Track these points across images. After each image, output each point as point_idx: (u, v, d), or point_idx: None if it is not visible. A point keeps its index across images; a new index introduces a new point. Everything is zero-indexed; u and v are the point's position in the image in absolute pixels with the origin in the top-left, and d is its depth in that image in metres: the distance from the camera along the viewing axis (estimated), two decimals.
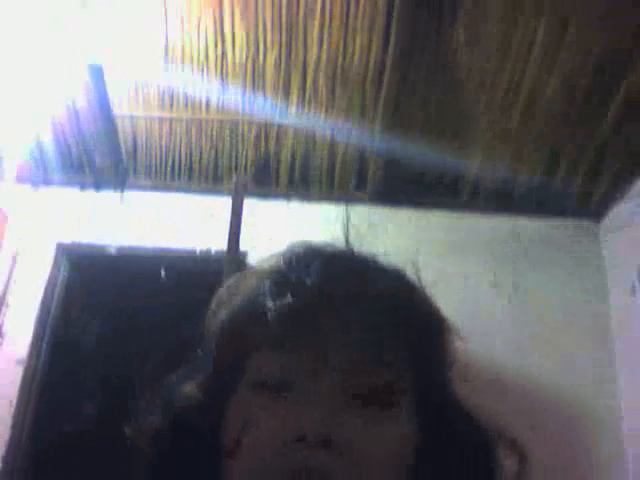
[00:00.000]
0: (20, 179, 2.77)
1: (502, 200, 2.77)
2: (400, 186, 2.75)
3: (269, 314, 0.51)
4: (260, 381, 0.51)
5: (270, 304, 0.51)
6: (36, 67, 2.35)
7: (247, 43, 2.34)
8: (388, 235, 2.45)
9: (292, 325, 0.50)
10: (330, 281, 0.52)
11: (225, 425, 0.52)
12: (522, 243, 2.80)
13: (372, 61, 2.32)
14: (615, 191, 2.56)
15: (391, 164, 2.64)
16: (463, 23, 2.09)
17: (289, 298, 0.51)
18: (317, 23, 2.24)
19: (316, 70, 2.41)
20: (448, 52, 2.19)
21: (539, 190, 2.65)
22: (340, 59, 2.35)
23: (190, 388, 0.57)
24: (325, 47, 2.31)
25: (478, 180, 2.69)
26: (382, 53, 2.26)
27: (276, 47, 2.33)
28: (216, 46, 2.39)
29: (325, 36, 2.28)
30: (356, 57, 2.32)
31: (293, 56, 2.35)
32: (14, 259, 2.69)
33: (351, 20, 2.22)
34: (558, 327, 2.65)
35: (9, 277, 2.66)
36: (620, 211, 2.59)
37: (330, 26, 2.24)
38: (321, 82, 2.43)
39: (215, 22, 2.30)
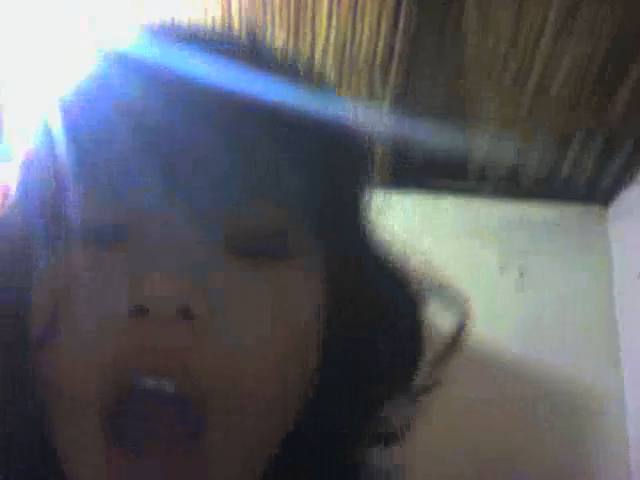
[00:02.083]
0: None
1: (510, 185, 2.76)
2: (408, 170, 2.74)
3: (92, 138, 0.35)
4: (83, 232, 0.34)
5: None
6: (44, 50, 2.35)
7: (255, 27, 2.33)
8: (395, 219, 2.45)
9: (127, 148, 0.33)
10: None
11: (33, 300, 0.35)
12: (529, 228, 2.79)
13: (380, 45, 2.31)
14: (624, 176, 2.55)
15: (399, 148, 2.64)
16: (473, 7, 2.08)
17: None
18: (325, 7, 2.23)
19: (324, 54, 2.40)
20: (458, 36, 2.17)
21: (547, 175, 2.64)
22: (348, 43, 2.34)
23: None
24: (333, 31, 2.30)
25: (486, 165, 2.68)
26: (391, 37, 2.25)
27: (284, 30, 2.32)
28: (223, 29, 2.38)
29: (333, 20, 2.27)
30: (364, 41, 2.31)
31: (301, 40, 2.34)
32: None
33: (360, 3, 2.21)
34: (564, 312, 2.65)
35: None
36: (628, 196, 2.58)
37: (339, 10, 2.22)
38: (329, 66, 2.43)
39: (223, 6, 2.29)
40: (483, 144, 2.58)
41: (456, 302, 0.48)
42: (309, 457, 0.38)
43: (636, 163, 2.46)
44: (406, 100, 2.47)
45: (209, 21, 2.47)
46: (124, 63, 0.42)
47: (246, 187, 0.33)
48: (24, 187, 0.42)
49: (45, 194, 0.37)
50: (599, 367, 2.57)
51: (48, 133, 0.40)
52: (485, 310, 2.77)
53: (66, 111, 0.41)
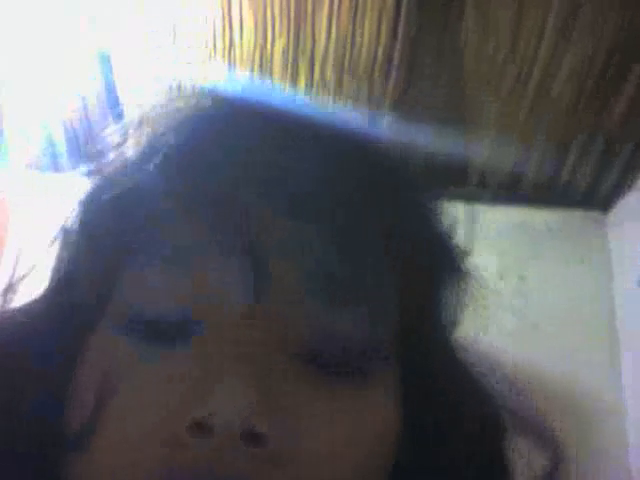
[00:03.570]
0: (26, 167, 2.78)
1: (509, 190, 2.76)
2: None
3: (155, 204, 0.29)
4: (134, 318, 0.29)
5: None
6: (44, 55, 2.35)
7: (255, 32, 2.34)
8: None
9: (189, 225, 0.28)
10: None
11: (71, 394, 0.30)
12: (528, 233, 2.79)
13: (380, 50, 2.31)
14: (623, 182, 2.54)
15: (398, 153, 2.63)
16: (472, 11, 2.08)
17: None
18: (325, 12, 2.23)
19: (324, 59, 2.40)
20: (457, 41, 2.18)
21: (547, 180, 2.64)
22: (348, 48, 2.34)
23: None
24: (333, 36, 2.30)
25: (485, 169, 2.68)
26: (390, 42, 2.25)
27: (284, 36, 2.32)
28: (224, 35, 2.39)
29: (333, 25, 2.27)
30: (364, 46, 2.31)
31: (301, 45, 2.34)
32: (20, 250, 2.70)
33: (360, 9, 2.21)
34: (564, 318, 2.65)
35: (15, 268, 2.67)
36: (628, 202, 2.58)
37: (338, 15, 2.22)
38: (329, 71, 2.43)
39: (223, 10, 2.29)
40: (483, 149, 2.58)
41: (549, 442, 0.40)
42: None
43: (636, 169, 2.46)
44: (406, 105, 2.47)
45: (209, 27, 2.47)
46: (236, 107, 0.36)
47: (352, 290, 0.28)
48: (67, 266, 0.36)
49: (96, 274, 0.31)
50: (599, 374, 2.56)
51: (110, 201, 0.35)
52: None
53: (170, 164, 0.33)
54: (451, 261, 0.39)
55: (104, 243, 0.32)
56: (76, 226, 0.38)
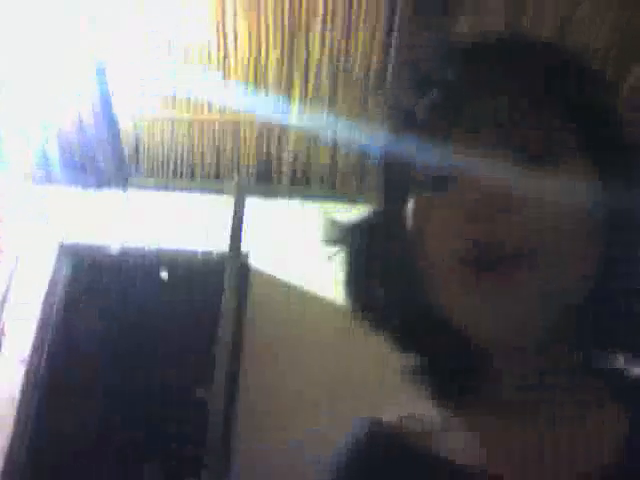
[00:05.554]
0: (22, 178, 2.77)
1: None
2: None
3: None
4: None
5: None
6: (39, 66, 2.35)
7: (249, 43, 2.34)
8: None
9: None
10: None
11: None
12: None
13: (374, 60, 2.32)
14: None
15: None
16: (466, 20, 2.09)
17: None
18: (319, 23, 2.24)
19: (318, 70, 2.40)
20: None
21: None
22: (342, 59, 2.35)
23: None
24: (327, 47, 2.31)
25: None
26: (384, 52, 2.26)
27: (278, 47, 2.33)
28: (218, 46, 2.39)
29: (327, 36, 2.28)
30: (358, 57, 2.32)
31: (295, 56, 2.35)
32: (17, 259, 2.69)
33: (353, 20, 2.22)
34: None
35: (11, 277, 2.67)
36: None
37: (332, 26, 2.23)
38: (323, 82, 2.43)
39: (218, 22, 2.30)
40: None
41: None
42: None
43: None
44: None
45: (204, 39, 2.48)
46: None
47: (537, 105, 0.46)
48: None
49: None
50: None
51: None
52: None
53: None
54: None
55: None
56: None
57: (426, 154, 0.50)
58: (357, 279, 0.53)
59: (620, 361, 0.48)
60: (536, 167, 0.44)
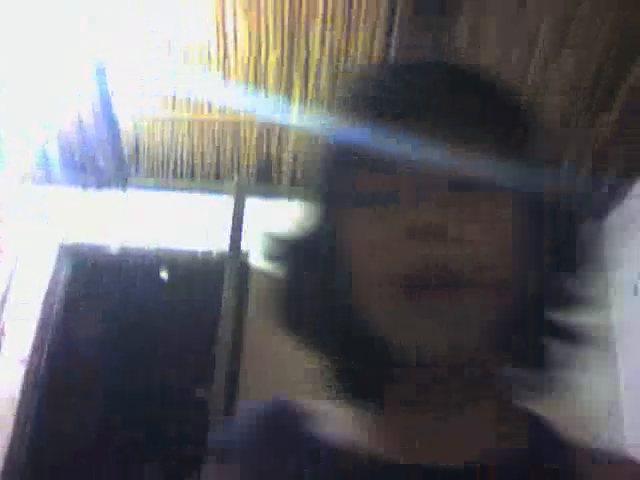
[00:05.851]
0: (22, 178, 2.77)
1: None
2: None
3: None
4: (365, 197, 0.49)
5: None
6: (39, 66, 2.35)
7: (249, 43, 2.34)
8: None
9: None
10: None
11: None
12: None
13: (374, 61, 2.32)
14: (618, 190, 2.55)
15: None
16: (465, 22, 2.09)
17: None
18: (319, 23, 2.24)
19: (318, 70, 2.40)
20: (450, 53, 2.19)
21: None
22: (342, 59, 2.35)
23: None
24: (327, 47, 2.31)
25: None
26: (384, 53, 2.26)
27: (278, 47, 2.33)
28: (218, 46, 2.39)
29: (327, 36, 2.28)
30: (358, 57, 2.32)
31: (295, 56, 2.35)
32: (17, 259, 2.69)
33: (353, 20, 2.22)
34: None
35: (11, 277, 2.67)
36: (623, 210, 2.58)
37: (332, 26, 2.23)
38: (323, 82, 2.43)
39: (217, 22, 2.30)
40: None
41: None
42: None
43: (630, 177, 2.47)
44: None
45: (204, 39, 2.48)
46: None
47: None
48: None
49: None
50: (597, 381, 2.55)
51: None
52: None
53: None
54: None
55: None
56: None
57: (369, 166, 0.50)
58: (288, 295, 0.55)
59: (524, 373, 0.52)
60: (468, 192, 0.47)
